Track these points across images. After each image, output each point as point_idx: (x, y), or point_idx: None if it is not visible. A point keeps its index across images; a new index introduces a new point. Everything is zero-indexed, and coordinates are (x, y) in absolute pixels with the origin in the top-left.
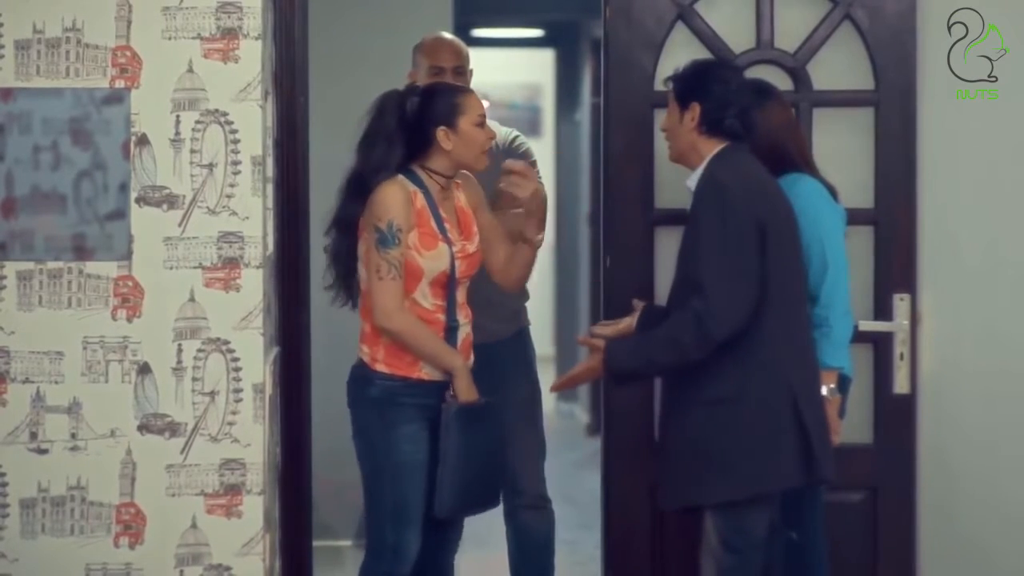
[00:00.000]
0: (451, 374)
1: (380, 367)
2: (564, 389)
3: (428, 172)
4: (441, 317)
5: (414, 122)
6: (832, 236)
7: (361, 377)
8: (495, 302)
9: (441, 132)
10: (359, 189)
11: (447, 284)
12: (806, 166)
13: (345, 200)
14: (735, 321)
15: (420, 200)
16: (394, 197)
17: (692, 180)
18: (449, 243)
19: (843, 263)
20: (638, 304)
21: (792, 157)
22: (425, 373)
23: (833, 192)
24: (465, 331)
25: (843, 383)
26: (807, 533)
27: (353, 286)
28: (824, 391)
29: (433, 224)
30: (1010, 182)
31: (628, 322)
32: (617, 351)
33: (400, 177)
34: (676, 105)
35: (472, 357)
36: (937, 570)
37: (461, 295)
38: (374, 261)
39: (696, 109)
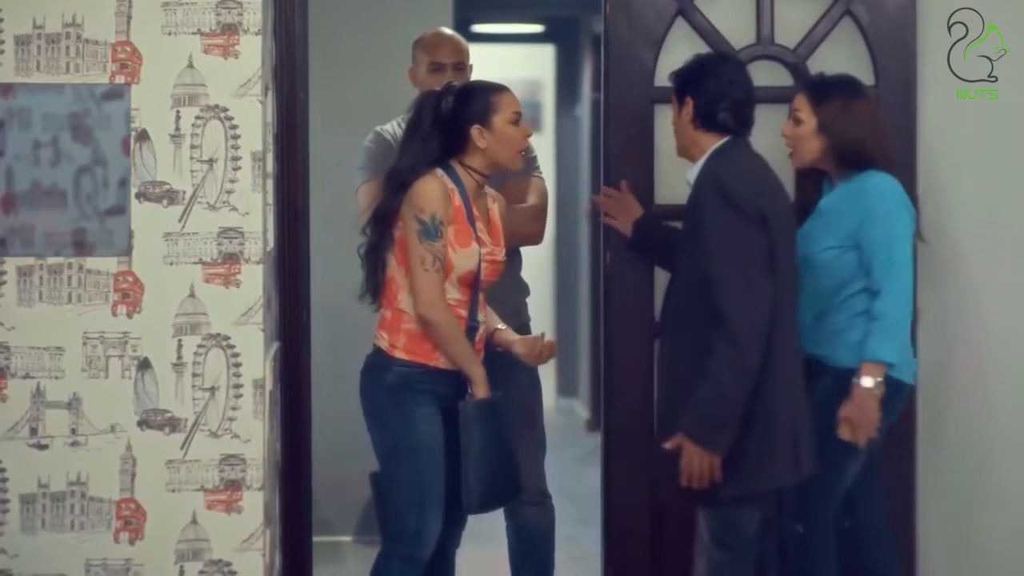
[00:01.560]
0: (469, 378)
1: (399, 354)
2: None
3: (466, 169)
4: (463, 313)
5: (450, 120)
6: (900, 234)
7: (377, 365)
8: (495, 299)
9: (475, 130)
10: (397, 185)
11: (472, 283)
12: (886, 164)
13: (385, 195)
14: (762, 341)
15: (457, 198)
16: (436, 191)
17: (691, 174)
18: (480, 243)
19: (909, 263)
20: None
21: (870, 155)
22: (442, 362)
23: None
24: (481, 330)
25: (895, 385)
26: (814, 526)
27: (378, 281)
28: (870, 383)
29: (467, 223)
30: (1009, 181)
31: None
32: (695, 429)
33: (439, 172)
34: (675, 100)
35: (483, 352)
36: (937, 562)
37: (481, 297)
38: (419, 252)
39: (689, 104)
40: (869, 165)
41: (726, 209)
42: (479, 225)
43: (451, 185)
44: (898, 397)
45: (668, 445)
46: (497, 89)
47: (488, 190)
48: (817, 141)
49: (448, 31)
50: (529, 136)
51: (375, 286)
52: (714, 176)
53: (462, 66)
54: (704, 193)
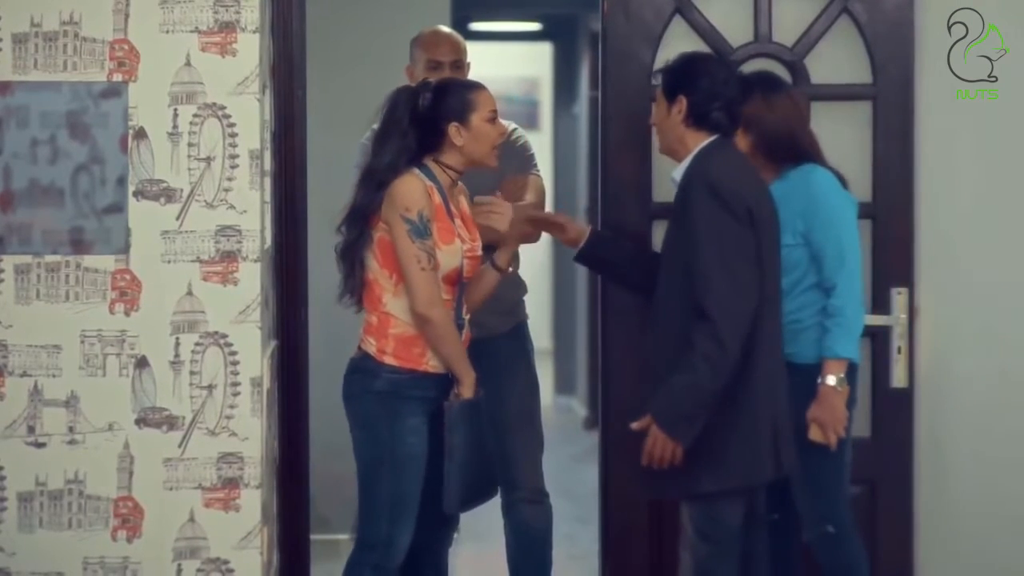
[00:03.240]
0: (457, 379)
1: (388, 360)
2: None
3: (441, 166)
4: (451, 312)
5: (426, 118)
6: (847, 227)
7: (365, 369)
8: (494, 297)
9: (452, 128)
10: (374, 183)
11: (456, 281)
12: (816, 157)
13: (361, 194)
14: (743, 338)
15: (436, 195)
16: (418, 189)
17: (678, 172)
18: (461, 240)
19: (857, 255)
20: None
21: (803, 147)
22: (431, 366)
23: (843, 182)
24: (466, 329)
25: (851, 373)
26: (840, 524)
27: (357, 282)
28: (833, 381)
29: (448, 219)
30: (1009, 180)
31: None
32: (664, 416)
33: (416, 171)
34: (663, 98)
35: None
36: (935, 562)
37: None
38: (412, 252)
39: (683, 102)
40: (801, 159)
41: (716, 206)
42: (458, 222)
43: (429, 183)
44: (855, 383)
45: (635, 425)
46: (474, 87)
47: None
48: (744, 139)
49: (446, 29)
50: (505, 135)
51: (354, 287)
52: (704, 174)
53: (460, 64)
54: (694, 191)
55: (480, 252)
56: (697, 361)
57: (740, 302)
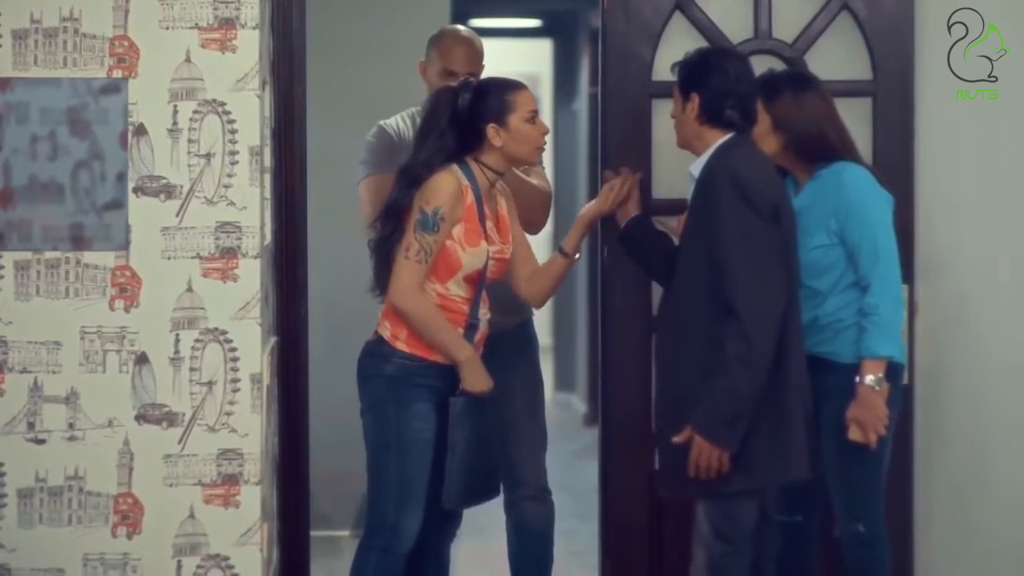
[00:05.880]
0: (457, 362)
1: (400, 345)
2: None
3: (481, 166)
4: (465, 309)
5: (466, 117)
6: (882, 224)
7: (378, 353)
8: (499, 294)
9: (491, 129)
10: (410, 180)
11: (478, 281)
12: (849, 154)
13: (396, 190)
14: (774, 337)
15: (470, 195)
16: (447, 186)
17: (696, 167)
18: (489, 242)
19: (893, 251)
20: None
21: (834, 146)
22: (442, 356)
23: (878, 178)
24: (482, 328)
25: (894, 371)
26: (872, 523)
27: (389, 276)
28: (871, 380)
29: (478, 221)
30: (1009, 181)
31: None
32: (706, 424)
33: (455, 167)
34: (679, 94)
35: (481, 349)
36: (935, 560)
37: (484, 294)
38: (407, 240)
39: (695, 100)
40: (833, 157)
41: (742, 205)
42: (489, 224)
43: (465, 182)
44: (897, 381)
45: (678, 439)
46: (514, 87)
47: (498, 184)
48: (774, 139)
49: (465, 32)
50: (546, 134)
51: (386, 281)
52: (729, 170)
53: (475, 76)
54: (718, 188)
55: (508, 255)
56: (730, 363)
57: (768, 300)
